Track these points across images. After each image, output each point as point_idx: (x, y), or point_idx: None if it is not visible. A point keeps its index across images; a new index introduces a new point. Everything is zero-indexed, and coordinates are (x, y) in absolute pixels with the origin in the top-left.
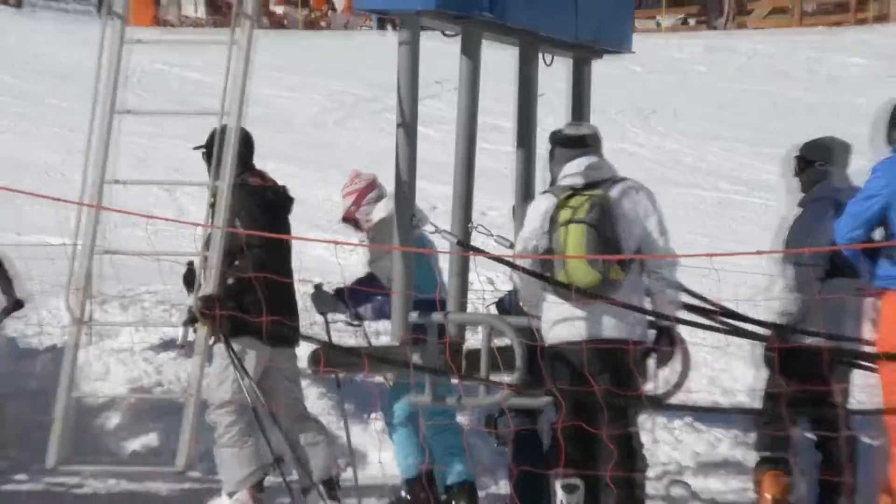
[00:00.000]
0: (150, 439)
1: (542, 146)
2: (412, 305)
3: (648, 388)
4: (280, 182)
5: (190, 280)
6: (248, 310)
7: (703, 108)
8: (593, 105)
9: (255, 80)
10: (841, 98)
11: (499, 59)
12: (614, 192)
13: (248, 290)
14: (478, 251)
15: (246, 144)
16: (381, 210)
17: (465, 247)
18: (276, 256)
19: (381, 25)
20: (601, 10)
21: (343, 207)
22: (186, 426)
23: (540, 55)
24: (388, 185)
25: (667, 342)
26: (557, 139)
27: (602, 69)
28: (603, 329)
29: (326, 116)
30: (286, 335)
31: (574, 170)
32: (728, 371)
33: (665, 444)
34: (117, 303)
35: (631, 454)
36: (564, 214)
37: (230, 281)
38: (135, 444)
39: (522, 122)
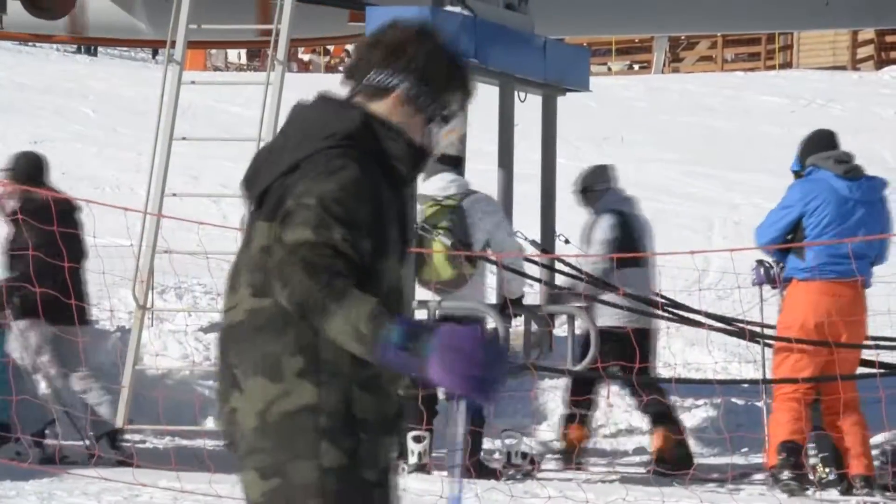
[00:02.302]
0: (199, 404)
1: (518, 167)
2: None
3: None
4: None
5: None
6: (31, 297)
7: (644, 135)
8: (558, 133)
9: (284, 113)
10: (755, 127)
11: (482, 95)
12: (465, 202)
13: (30, 281)
14: (465, 252)
15: (37, 167)
16: None
17: (458, 248)
18: (59, 252)
19: None
20: (564, 57)
21: None
22: None
23: (515, 92)
24: None
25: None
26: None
27: (565, 104)
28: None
29: None
30: (66, 316)
31: (437, 183)
32: (668, 348)
33: (618, 407)
34: (173, 292)
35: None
36: (429, 221)
37: (15, 273)
38: (186, 408)
39: (502, 147)
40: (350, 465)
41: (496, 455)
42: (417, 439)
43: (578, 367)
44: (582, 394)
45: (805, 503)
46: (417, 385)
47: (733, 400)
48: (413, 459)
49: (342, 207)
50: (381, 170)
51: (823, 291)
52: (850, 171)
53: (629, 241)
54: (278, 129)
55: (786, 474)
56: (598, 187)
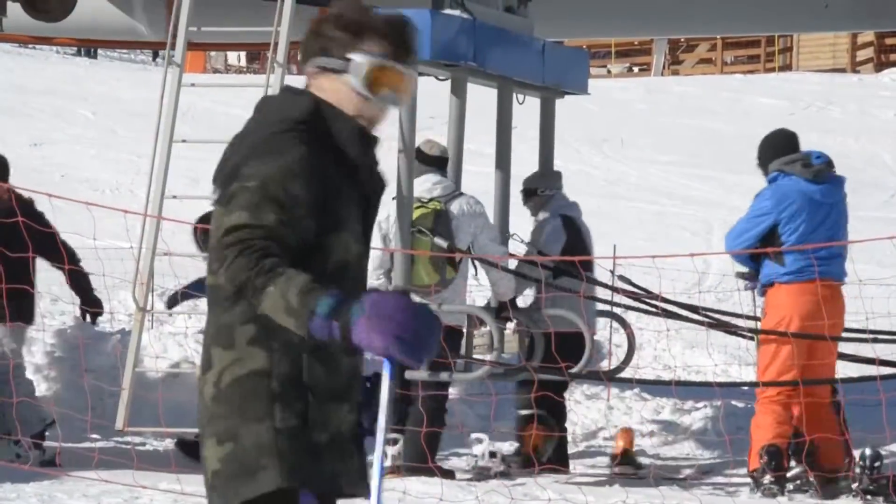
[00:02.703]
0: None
1: (515, 168)
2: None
3: (603, 364)
4: None
5: None
6: None
7: (644, 137)
8: (556, 135)
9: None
10: (754, 130)
11: (481, 98)
12: (451, 204)
13: None
14: (463, 252)
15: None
16: None
17: (454, 250)
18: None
19: None
20: (563, 59)
21: None
22: None
23: (514, 95)
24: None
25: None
26: (416, 155)
27: (564, 106)
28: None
29: None
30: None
31: (421, 185)
32: (668, 350)
33: (617, 410)
34: None
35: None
36: (415, 223)
37: None
38: (186, 410)
39: (500, 149)
40: (300, 426)
41: (466, 458)
42: (390, 442)
43: (576, 369)
44: (527, 394)
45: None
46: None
47: (733, 402)
48: (386, 462)
49: (281, 188)
50: (334, 153)
51: (805, 292)
52: (818, 174)
53: (576, 245)
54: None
55: (767, 478)
56: (544, 192)
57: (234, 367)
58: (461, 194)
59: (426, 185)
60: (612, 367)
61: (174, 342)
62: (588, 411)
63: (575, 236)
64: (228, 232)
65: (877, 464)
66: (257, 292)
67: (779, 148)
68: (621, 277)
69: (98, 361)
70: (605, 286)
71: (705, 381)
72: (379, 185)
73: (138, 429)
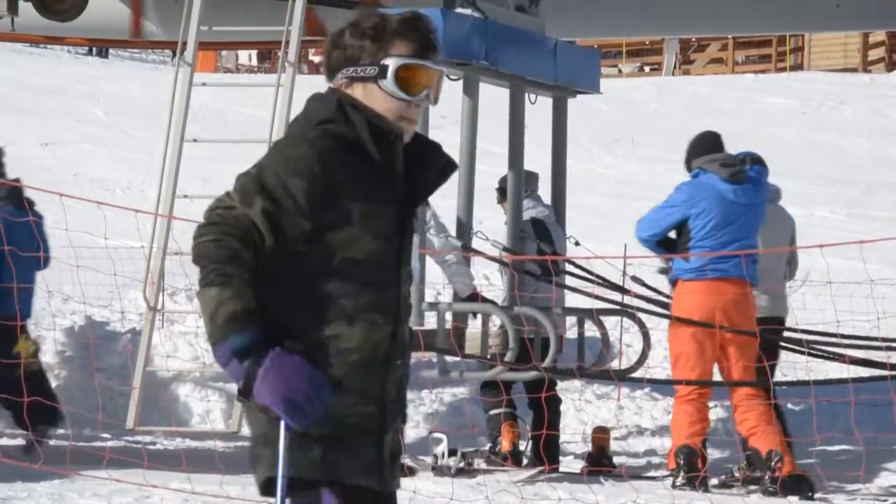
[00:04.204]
0: (209, 405)
1: (528, 168)
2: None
3: (614, 364)
4: None
5: None
6: None
7: (655, 137)
8: (568, 135)
9: (295, 114)
10: (765, 130)
11: (493, 97)
12: None
13: None
14: (477, 252)
15: None
16: None
17: (466, 248)
18: None
19: None
20: (575, 59)
21: None
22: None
23: (526, 95)
24: None
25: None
26: None
27: (576, 106)
28: None
29: None
30: None
31: None
32: None
33: (628, 409)
34: (184, 294)
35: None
36: None
37: None
38: (197, 409)
39: (512, 149)
40: None
41: (429, 457)
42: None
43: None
44: (497, 395)
45: None
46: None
47: None
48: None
49: (277, 179)
50: (359, 151)
51: (708, 290)
52: (736, 174)
53: (544, 250)
54: None
55: (680, 479)
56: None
57: None
58: None
59: None
60: (623, 367)
61: (185, 341)
62: (598, 411)
63: (544, 239)
64: (212, 208)
65: (779, 464)
66: (206, 281)
67: (702, 147)
68: (633, 278)
69: (108, 361)
70: (617, 287)
71: (714, 381)
72: (423, 185)
73: (149, 428)
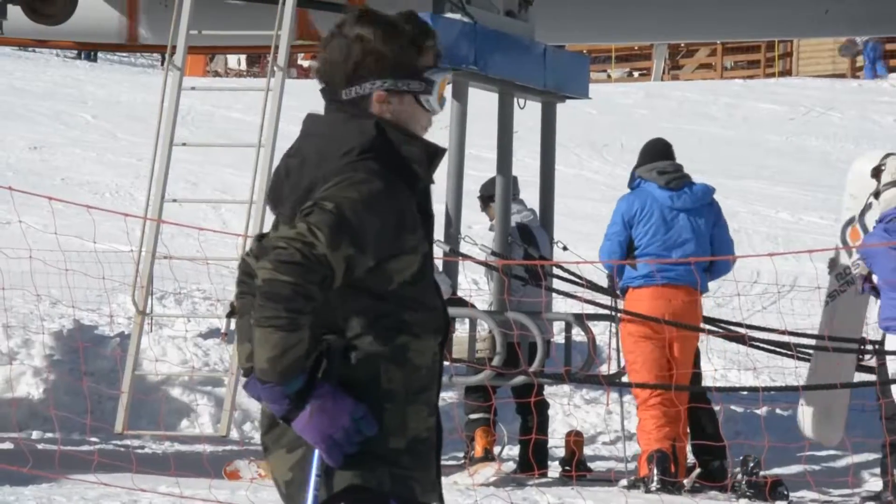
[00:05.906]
0: (198, 409)
1: (517, 174)
2: None
3: (603, 368)
4: None
5: None
6: None
7: (644, 142)
8: (557, 140)
9: (285, 119)
10: (753, 135)
11: (482, 102)
12: None
13: None
14: (466, 256)
15: None
16: None
17: (455, 253)
18: None
19: None
20: (564, 64)
21: None
22: (227, 399)
23: (515, 99)
24: None
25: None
26: None
27: (564, 111)
28: None
29: None
30: None
31: None
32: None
33: (616, 414)
34: (173, 298)
35: None
36: None
37: None
38: (185, 414)
39: (501, 153)
40: (376, 433)
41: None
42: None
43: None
44: (481, 399)
45: None
46: None
47: (732, 407)
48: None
49: (357, 218)
50: (404, 176)
51: (656, 296)
52: (672, 181)
53: (530, 255)
54: (278, 136)
55: (654, 485)
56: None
57: None
58: None
59: None
60: (611, 372)
61: (173, 345)
62: (587, 416)
63: (530, 244)
64: (290, 239)
65: (756, 469)
66: (275, 322)
67: (647, 157)
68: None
69: (97, 364)
70: (604, 290)
71: (704, 386)
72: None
73: (137, 432)
